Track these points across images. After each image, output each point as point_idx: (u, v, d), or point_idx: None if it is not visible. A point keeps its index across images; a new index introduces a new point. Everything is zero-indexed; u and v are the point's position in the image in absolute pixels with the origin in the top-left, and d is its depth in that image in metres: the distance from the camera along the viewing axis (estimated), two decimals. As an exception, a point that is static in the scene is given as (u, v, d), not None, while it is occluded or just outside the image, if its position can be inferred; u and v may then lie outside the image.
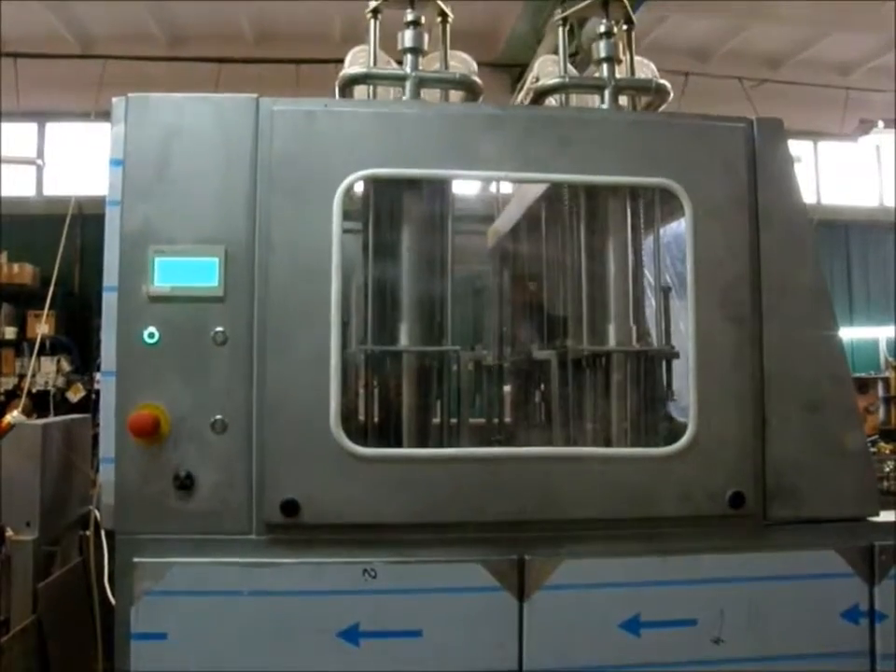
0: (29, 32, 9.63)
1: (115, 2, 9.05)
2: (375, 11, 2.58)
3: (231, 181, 2.22)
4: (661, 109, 2.71)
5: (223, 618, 2.13)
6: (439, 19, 2.63)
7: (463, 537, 2.23)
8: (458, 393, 2.50)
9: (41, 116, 10.95)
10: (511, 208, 3.34)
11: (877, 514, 2.40)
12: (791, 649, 2.30)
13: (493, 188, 3.52)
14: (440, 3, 2.60)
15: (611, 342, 2.50)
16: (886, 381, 10.73)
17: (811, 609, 2.31)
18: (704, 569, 2.29)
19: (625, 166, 2.37)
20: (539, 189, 2.84)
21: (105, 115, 2.25)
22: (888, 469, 3.33)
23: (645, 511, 2.28)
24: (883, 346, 11.07)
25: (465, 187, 2.95)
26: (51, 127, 11.11)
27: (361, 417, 2.50)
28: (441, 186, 2.49)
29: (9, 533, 2.82)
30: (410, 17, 2.57)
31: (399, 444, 2.38)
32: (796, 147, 10.73)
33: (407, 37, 2.56)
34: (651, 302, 2.63)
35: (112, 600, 2.35)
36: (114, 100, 2.25)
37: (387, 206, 2.47)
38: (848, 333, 9.98)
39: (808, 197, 2.49)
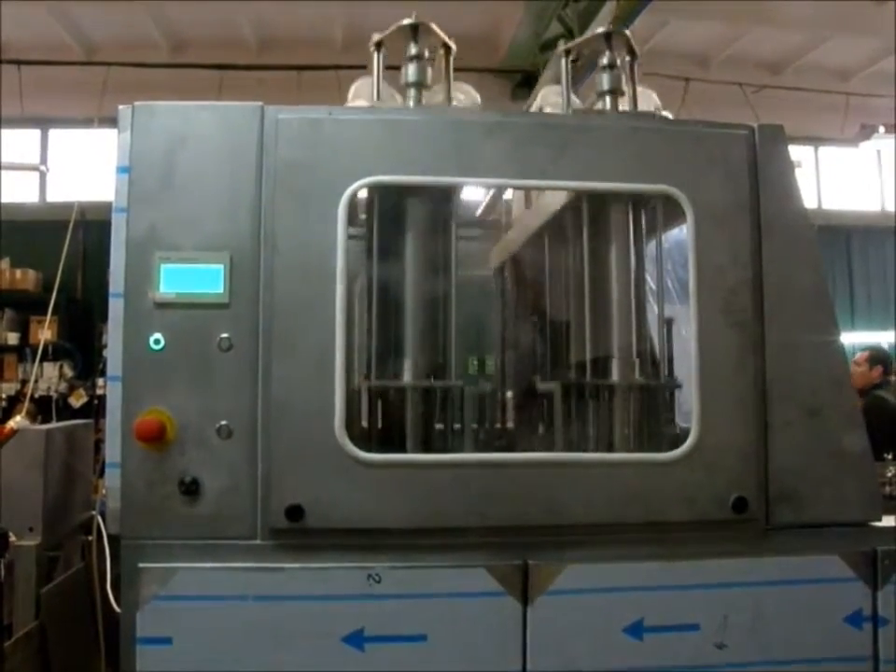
0: (32, 38, 9.67)
1: (118, 9, 9.09)
2: (378, 44, 2.55)
3: (237, 188, 2.23)
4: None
5: (228, 623, 2.13)
6: (442, 51, 2.60)
7: (467, 542, 2.23)
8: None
9: (44, 122, 10.97)
10: (516, 232, 3.36)
11: (880, 519, 2.41)
12: (793, 653, 2.30)
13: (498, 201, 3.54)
14: (443, 36, 2.57)
15: (615, 375, 2.49)
16: (887, 386, 10.73)
17: (814, 614, 2.31)
18: (707, 574, 2.29)
19: (627, 173, 2.38)
20: (542, 216, 2.87)
21: (107, 121, 2.27)
22: (889, 474, 3.33)
23: (648, 516, 2.29)
24: (884, 351, 11.06)
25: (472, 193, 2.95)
26: (54, 133, 11.13)
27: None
28: (448, 195, 2.50)
29: (12, 538, 2.82)
30: (413, 51, 2.55)
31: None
32: (797, 152, 10.76)
33: (410, 72, 2.55)
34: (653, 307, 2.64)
35: (115, 605, 2.36)
36: (120, 108, 2.27)
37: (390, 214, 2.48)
38: (850, 338, 9.98)
39: (809, 202, 2.50)
